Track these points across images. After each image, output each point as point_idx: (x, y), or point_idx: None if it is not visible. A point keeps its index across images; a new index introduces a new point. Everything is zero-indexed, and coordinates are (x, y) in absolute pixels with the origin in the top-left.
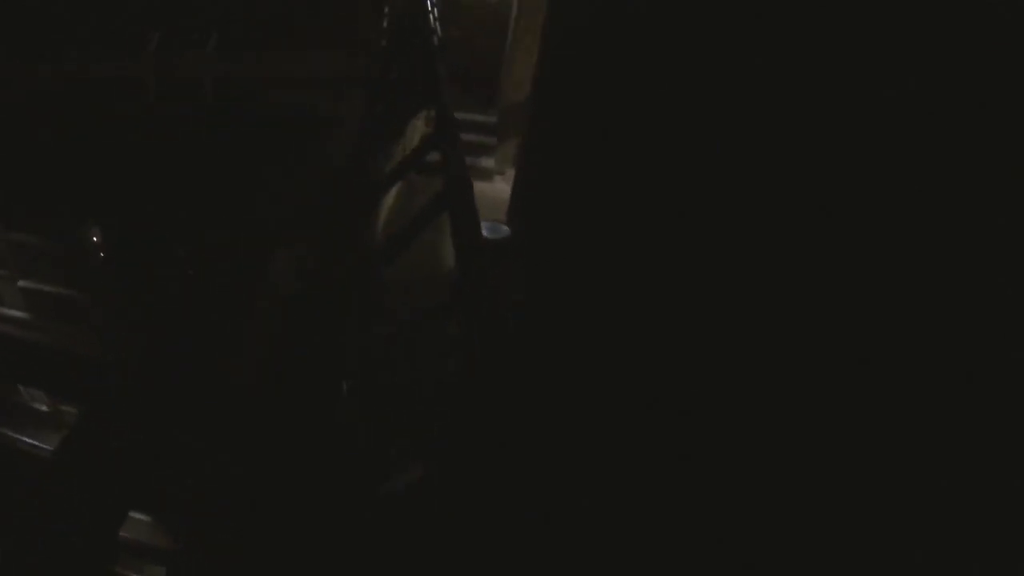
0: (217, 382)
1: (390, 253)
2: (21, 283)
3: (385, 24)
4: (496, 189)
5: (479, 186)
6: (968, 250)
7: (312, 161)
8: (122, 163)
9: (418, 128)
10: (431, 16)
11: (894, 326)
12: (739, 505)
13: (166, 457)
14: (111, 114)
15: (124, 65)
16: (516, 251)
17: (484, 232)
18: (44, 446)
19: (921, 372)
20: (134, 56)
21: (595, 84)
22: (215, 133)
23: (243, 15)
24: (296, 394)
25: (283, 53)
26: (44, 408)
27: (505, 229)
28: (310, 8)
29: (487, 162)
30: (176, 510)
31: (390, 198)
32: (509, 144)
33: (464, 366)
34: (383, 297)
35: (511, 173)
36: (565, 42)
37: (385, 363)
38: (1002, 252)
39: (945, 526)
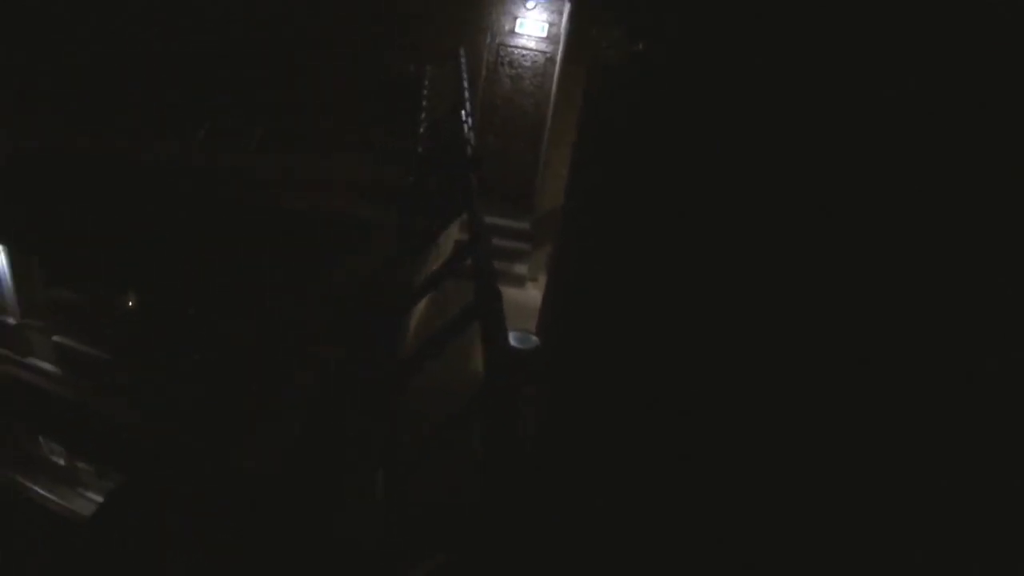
0: (236, 477)
1: (421, 359)
2: (55, 338)
3: (422, 132)
4: (528, 296)
5: (511, 292)
6: (968, 250)
7: (347, 266)
8: (165, 241)
9: (451, 235)
10: (466, 126)
11: (901, 327)
12: (740, 505)
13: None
14: (161, 194)
15: (173, 150)
16: (544, 363)
17: (512, 341)
18: (55, 498)
19: (921, 372)
20: (184, 143)
21: (622, 195)
22: (253, 226)
23: (292, 117)
24: (319, 489)
25: (325, 156)
26: (61, 462)
27: (534, 339)
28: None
29: (520, 268)
30: None
31: (422, 304)
32: (542, 251)
33: (482, 476)
34: (414, 401)
35: (543, 280)
36: (593, 151)
37: (414, 466)
38: (1002, 252)
39: (944, 526)
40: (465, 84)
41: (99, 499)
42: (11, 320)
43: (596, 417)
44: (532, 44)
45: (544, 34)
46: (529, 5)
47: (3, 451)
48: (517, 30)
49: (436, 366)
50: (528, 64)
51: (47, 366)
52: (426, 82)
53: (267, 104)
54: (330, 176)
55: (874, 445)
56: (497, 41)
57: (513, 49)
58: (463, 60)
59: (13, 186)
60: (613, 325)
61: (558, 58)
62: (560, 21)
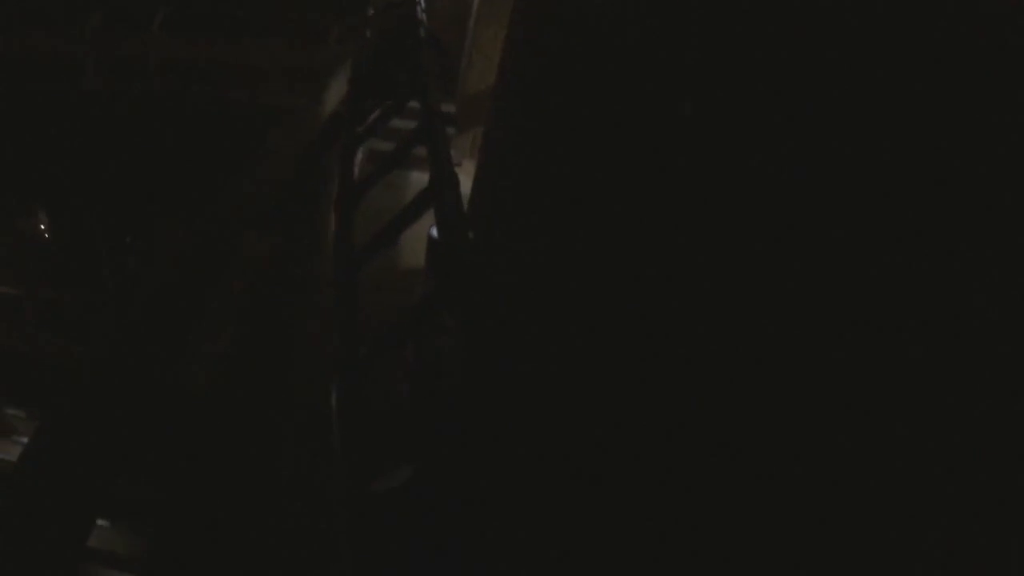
0: (179, 383)
1: (374, 249)
2: None
3: (371, 14)
4: None
5: None
6: (968, 251)
7: (262, 153)
8: (66, 149)
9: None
10: (419, 8)
11: (890, 327)
12: (736, 506)
13: (131, 463)
14: (51, 96)
15: (64, 43)
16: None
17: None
18: None
19: (920, 373)
20: (76, 33)
21: (568, 75)
22: (161, 119)
23: None
24: (264, 395)
25: (235, 40)
26: None
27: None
28: None
29: None
30: (146, 516)
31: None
32: (468, 135)
33: (454, 366)
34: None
35: (470, 165)
36: (535, 31)
37: (370, 365)
38: (1001, 252)
39: (944, 526)
40: None
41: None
42: None
43: (536, 337)
44: None
45: None
46: None
47: None
48: None
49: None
50: None
51: None
52: None
53: None
54: (243, 61)
55: (872, 446)
56: None
57: None
58: None
59: None
60: (554, 226)
61: None
62: None
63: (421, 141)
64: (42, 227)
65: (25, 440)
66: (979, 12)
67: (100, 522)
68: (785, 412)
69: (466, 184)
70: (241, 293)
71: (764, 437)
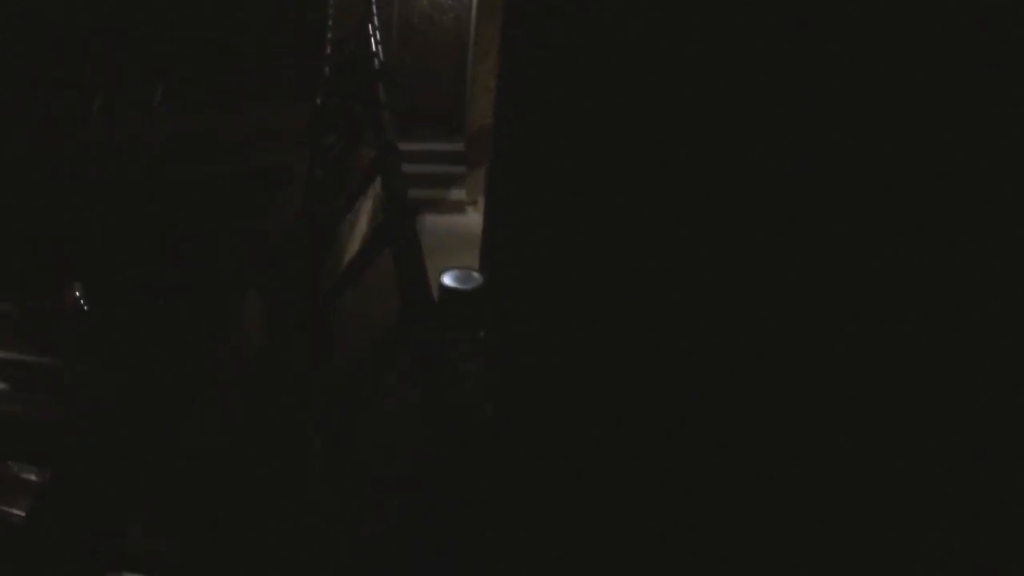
0: (186, 433)
1: (339, 289)
2: None
3: (328, 51)
4: (470, 222)
5: (451, 220)
6: (970, 244)
7: (271, 212)
8: (89, 225)
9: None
10: (372, 40)
11: (891, 320)
12: (736, 506)
13: (138, 513)
14: (63, 174)
15: (71, 132)
16: (491, 306)
17: (452, 281)
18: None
19: (921, 368)
20: (80, 120)
21: (562, 101)
22: (171, 191)
23: (190, 70)
24: (267, 441)
25: (232, 108)
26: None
27: (476, 276)
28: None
29: (458, 193)
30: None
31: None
32: (479, 172)
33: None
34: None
35: (483, 203)
36: (525, 56)
37: (349, 400)
38: (1003, 245)
39: (944, 526)
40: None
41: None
42: None
43: (555, 364)
44: None
45: None
46: None
47: None
48: None
49: (357, 296)
50: None
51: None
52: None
53: (162, 61)
54: (241, 127)
55: (871, 446)
56: None
57: None
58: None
59: None
60: (562, 254)
61: None
62: None
63: (378, 172)
64: (79, 299)
65: None
66: (980, 4)
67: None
68: (785, 408)
69: (480, 221)
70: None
71: (764, 436)
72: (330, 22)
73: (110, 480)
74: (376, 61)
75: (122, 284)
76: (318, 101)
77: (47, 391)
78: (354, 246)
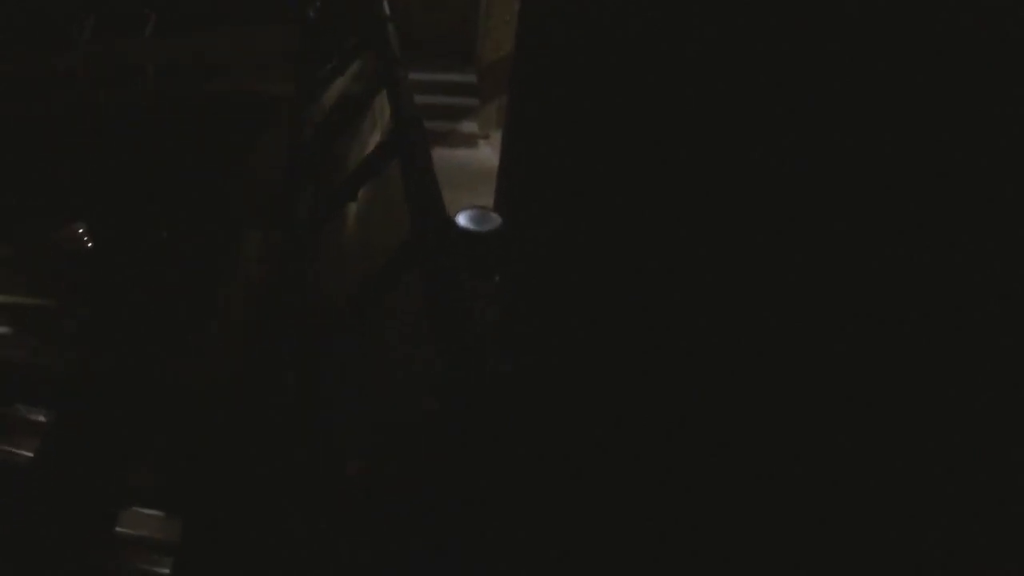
0: (187, 374)
1: (334, 205)
2: None
3: None
4: (481, 156)
5: (461, 154)
6: (969, 244)
7: (262, 144)
8: (82, 158)
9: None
10: None
11: (891, 319)
12: (736, 506)
13: (144, 454)
14: (54, 107)
15: (57, 58)
16: (509, 250)
17: (467, 222)
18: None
19: (921, 367)
20: (67, 47)
21: (589, 38)
22: (164, 119)
23: None
24: (269, 380)
25: (225, 32)
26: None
27: (495, 218)
28: None
29: (469, 126)
30: (165, 504)
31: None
32: (492, 105)
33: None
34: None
35: (497, 137)
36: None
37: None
38: (1003, 245)
39: (944, 526)
40: None
41: None
42: None
43: (571, 313)
44: None
45: None
46: None
47: None
48: None
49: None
50: None
51: None
52: None
53: None
54: (235, 52)
55: (873, 445)
56: None
57: None
58: None
59: None
60: (586, 196)
61: None
62: None
63: (383, 85)
64: (83, 236)
65: None
66: (980, 4)
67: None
68: (785, 408)
69: (493, 156)
70: (246, 292)
71: (764, 435)
72: None
73: (114, 417)
74: None
75: (121, 221)
76: (308, 20)
77: (49, 334)
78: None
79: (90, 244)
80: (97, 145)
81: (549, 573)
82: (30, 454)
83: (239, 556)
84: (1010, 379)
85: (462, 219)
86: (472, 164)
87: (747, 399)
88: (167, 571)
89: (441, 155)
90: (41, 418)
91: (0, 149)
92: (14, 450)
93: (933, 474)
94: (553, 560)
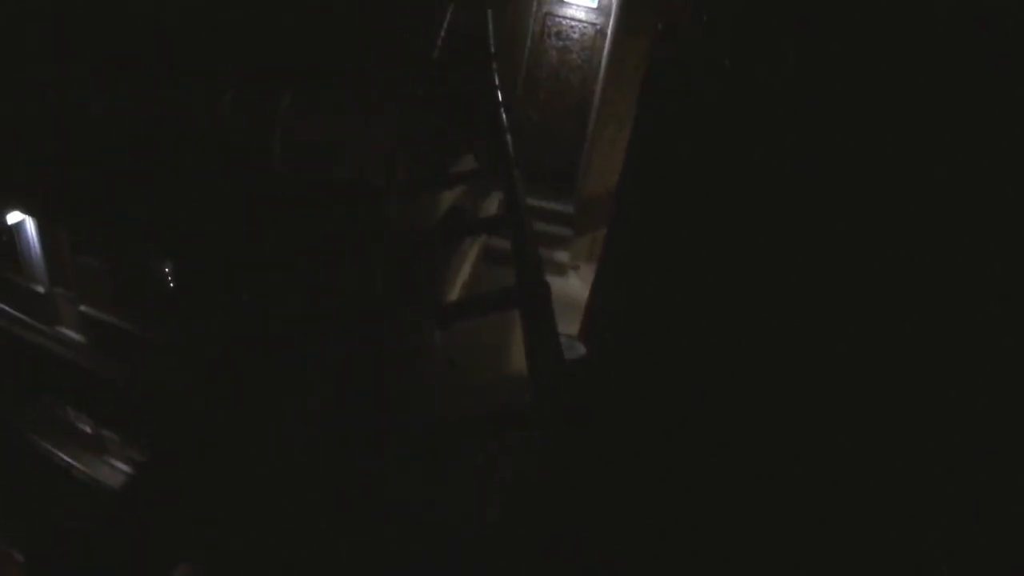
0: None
1: (450, 318)
2: (82, 307)
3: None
4: (570, 286)
5: (552, 282)
6: (969, 244)
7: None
8: (195, 201)
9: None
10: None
11: (891, 320)
12: (736, 506)
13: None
14: (189, 152)
15: (201, 109)
16: (591, 377)
17: None
18: (80, 466)
19: (920, 367)
20: (211, 102)
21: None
22: (283, 186)
23: (321, 77)
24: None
25: (355, 117)
26: (87, 430)
27: (579, 347)
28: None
29: (562, 256)
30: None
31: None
32: (586, 237)
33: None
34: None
35: (587, 268)
36: (657, 134)
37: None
38: (1003, 245)
39: (944, 526)
40: (491, 42)
41: (123, 467)
42: (40, 288)
43: (652, 448)
44: (581, 15)
45: (595, 4)
46: None
47: (32, 417)
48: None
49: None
50: (576, 36)
51: (75, 335)
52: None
53: (293, 64)
54: (360, 136)
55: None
56: (544, 10)
57: (561, 20)
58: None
59: (33, 155)
60: (683, 337)
61: (609, 31)
62: None
63: (509, 227)
64: (167, 272)
65: (116, 463)
66: (980, 4)
67: None
68: (785, 408)
69: (581, 288)
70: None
71: (763, 435)
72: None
73: (201, 469)
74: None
75: (216, 270)
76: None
77: (124, 352)
78: (454, 293)
79: (178, 279)
80: (210, 197)
81: (549, 573)
82: (68, 459)
83: (240, 556)
84: (1010, 379)
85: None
86: (561, 293)
87: (746, 397)
88: None
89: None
90: (87, 429)
91: (119, 170)
92: (56, 451)
93: (933, 474)
94: (552, 561)
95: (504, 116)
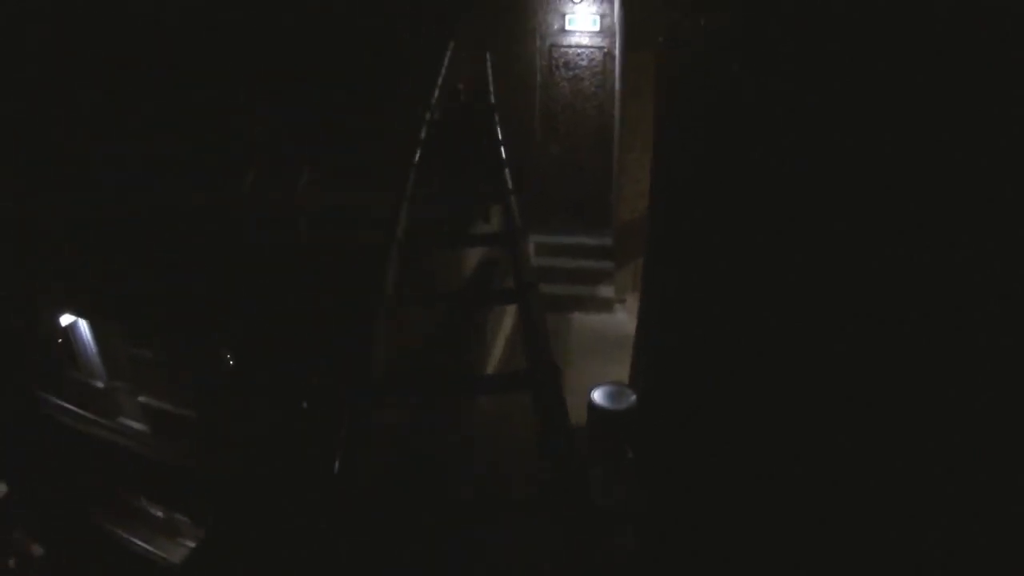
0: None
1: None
2: (141, 398)
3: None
4: (617, 322)
5: (598, 320)
6: (970, 244)
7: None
8: (243, 289)
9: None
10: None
11: (891, 320)
12: (735, 506)
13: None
14: (218, 241)
15: (224, 198)
16: (644, 430)
17: (602, 399)
18: (154, 549)
19: (920, 367)
20: (233, 190)
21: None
22: (321, 269)
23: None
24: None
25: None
26: (159, 514)
27: (630, 395)
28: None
29: (606, 291)
30: None
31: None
32: (628, 269)
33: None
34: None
35: (633, 300)
36: (677, 149)
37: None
38: (1003, 245)
39: (944, 526)
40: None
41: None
42: (99, 384)
43: (704, 493)
44: (586, 40)
45: (597, 27)
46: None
47: (105, 504)
48: (567, 27)
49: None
50: (585, 63)
51: (137, 425)
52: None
53: (310, 142)
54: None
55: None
56: (548, 43)
57: (567, 49)
58: (489, 64)
59: (76, 257)
60: (727, 371)
61: (617, 51)
62: (612, 11)
63: (508, 251)
64: (228, 358)
65: (189, 543)
66: (980, 4)
67: None
68: (784, 408)
69: (628, 321)
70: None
71: (763, 435)
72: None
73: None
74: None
75: (263, 347)
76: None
77: (182, 438)
78: (498, 350)
79: (231, 364)
80: (248, 276)
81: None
82: (142, 543)
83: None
84: (1010, 379)
85: (597, 396)
86: (608, 330)
87: (745, 397)
88: None
89: (580, 321)
90: (159, 513)
91: (160, 263)
92: (129, 536)
93: (933, 474)
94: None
95: (508, 175)
